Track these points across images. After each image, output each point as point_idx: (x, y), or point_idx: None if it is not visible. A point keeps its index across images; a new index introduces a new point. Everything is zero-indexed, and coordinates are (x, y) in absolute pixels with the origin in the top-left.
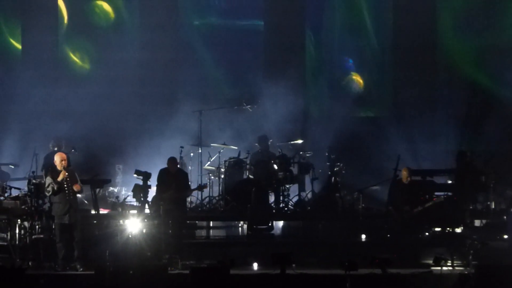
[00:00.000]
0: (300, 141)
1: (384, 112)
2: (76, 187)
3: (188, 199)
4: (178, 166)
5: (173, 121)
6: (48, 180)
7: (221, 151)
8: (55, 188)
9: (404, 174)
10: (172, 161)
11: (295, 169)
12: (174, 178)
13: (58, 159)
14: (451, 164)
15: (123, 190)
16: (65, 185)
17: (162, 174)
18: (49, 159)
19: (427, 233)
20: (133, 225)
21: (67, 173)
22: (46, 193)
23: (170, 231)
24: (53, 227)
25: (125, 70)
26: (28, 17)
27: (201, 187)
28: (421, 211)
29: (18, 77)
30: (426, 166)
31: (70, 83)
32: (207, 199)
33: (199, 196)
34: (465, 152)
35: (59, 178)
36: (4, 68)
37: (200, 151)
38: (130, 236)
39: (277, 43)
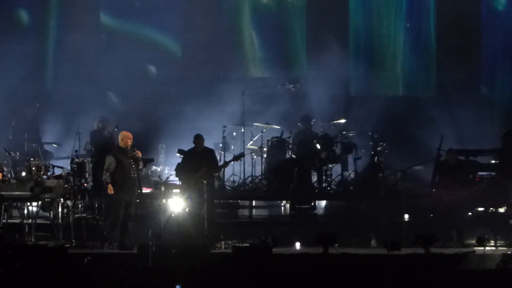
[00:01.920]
0: (343, 121)
1: (427, 93)
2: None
3: (231, 178)
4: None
5: (215, 101)
6: (110, 158)
7: (264, 130)
8: (113, 168)
9: (450, 155)
10: (199, 138)
11: (338, 149)
12: (202, 157)
13: (127, 138)
14: (493, 145)
15: (166, 169)
16: (132, 164)
17: (191, 154)
18: (95, 137)
19: (470, 213)
20: (176, 204)
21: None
22: (104, 172)
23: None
24: (103, 205)
25: (167, 52)
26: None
27: (237, 157)
28: (472, 193)
29: (61, 57)
30: (469, 146)
31: (113, 64)
32: (249, 179)
33: (242, 175)
34: None
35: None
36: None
37: (242, 130)
38: (172, 215)
39: (320, 23)
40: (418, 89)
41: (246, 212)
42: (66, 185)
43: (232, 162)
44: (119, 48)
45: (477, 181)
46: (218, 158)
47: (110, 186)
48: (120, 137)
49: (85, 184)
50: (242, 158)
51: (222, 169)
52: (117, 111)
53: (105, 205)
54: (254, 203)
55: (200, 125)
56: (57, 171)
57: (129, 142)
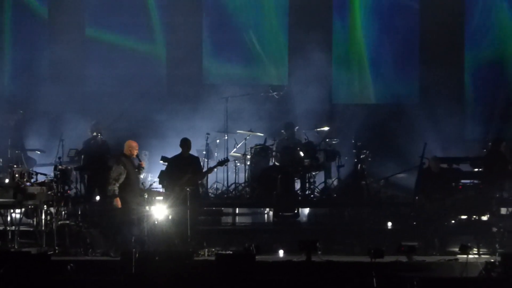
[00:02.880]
0: (326, 128)
1: (411, 100)
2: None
3: (214, 185)
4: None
5: (199, 108)
6: (120, 168)
7: (247, 138)
8: (123, 178)
9: (433, 163)
10: (186, 143)
11: (321, 156)
12: (187, 163)
13: (133, 147)
14: (476, 153)
15: (149, 177)
16: (137, 174)
17: (176, 160)
18: (89, 145)
19: (453, 221)
20: (159, 211)
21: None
22: (112, 182)
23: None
24: (91, 212)
25: (150, 58)
26: None
27: (222, 163)
28: (455, 201)
29: (45, 60)
30: (453, 154)
31: (97, 66)
32: (233, 186)
33: (226, 183)
34: (501, 139)
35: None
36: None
37: (226, 138)
38: (156, 222)
39: (303, 27)
40: (402, 97)
41: (229, 219)
42: (49, 192)
43: (216, 168)
44: (102, 54)
45: (459, 189)
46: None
47: (118, 199)
48: (125, 146)
49: (69, 191)
50: (226, 164)
51: (206, 175)
52: (99, 118)
53: (101, 212)
54: (237, 210)
55: (184, 132)
56: (41, 178)
57: (135, 152)
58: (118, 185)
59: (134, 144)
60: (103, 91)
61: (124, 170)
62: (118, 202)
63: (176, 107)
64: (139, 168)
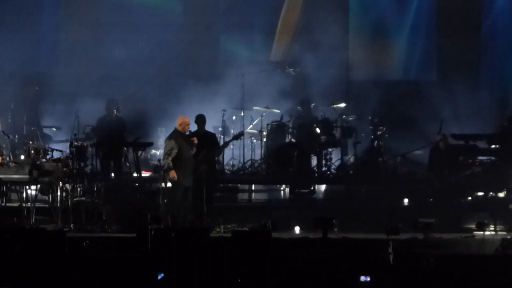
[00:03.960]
0: (343, 105)
1: (428, 76)
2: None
3: (230, 162)
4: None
5: (215, 85)
6: (172, 143)
7: (264, 114)
8: (175, 153)
9: (441, 140)
10: (201, 119)
11: (337, 133)
12: (203, 140)
13: (185, 123)
14: (494, 129)
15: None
16: (190, 149)
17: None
18: (105, 122)
19: (469, 198)
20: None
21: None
22: (165, 156)
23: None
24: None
25: (167, 34)
26: None
27: (237, 136)
28: (462, 178)
29: (61, 39)
30: (470, 130)
31: (113, 46)
32: (249, 163)
33: (242, 159)
34: None
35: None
36: (48, 30)
37: (242, 114)
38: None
39: (319, 4)
40: (419, 73)
41: (245, 196)
42: (65, 169)
43: (231, 142)
44: (118, 30)
45: (465, 165)
46: None
47: (173, 171)
48: (178, 122)
49: (84, 168)
50: (242, 138)
51: (222, 151)
52: (116, 94)
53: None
54: (253, 187)
55: (200, 109)
56: (56, 155)
57: (187, 128)
58: (170, 158)
59: (186, 120)
60: (120, 72)
61: (176, 145)
62: (173, 174)
63: (192, 84)
64: (192, 144)
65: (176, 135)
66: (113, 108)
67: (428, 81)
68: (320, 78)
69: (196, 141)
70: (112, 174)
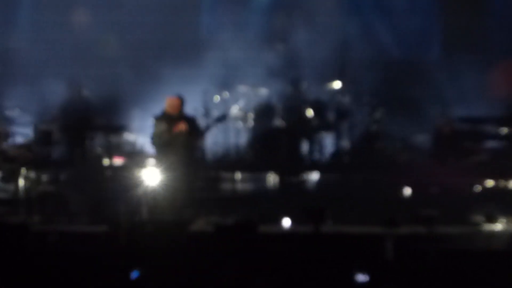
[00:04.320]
0: (337, 84)
1: (432, 54)
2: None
3: (212, 148)
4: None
5: (196, 63)
6: (161, 126)
7: (249, 94)
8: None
9: (444, 123)
10: (173, 101)
11: (331, 116)
12: (168, 120)
13: (176, 104)
14: (503, 111)
15: (141, 137)
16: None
17: (163, 119)
18: (71, 103)
19: (478, 187)
20: (151, 177)
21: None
22: (154, 142)
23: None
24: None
25: (142, 16)
26: None
27: (220, 119)
28: (469, 164)
29: (27, 19)
30: (477, 112)
31: (83, 13)
32: (233, 148)
33: (225, 145)
34: None
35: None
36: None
37: (225, 95)
38: (147, 189)
39: None
40: (421, 50)
41: (228, 185)
42: (29, 155)
43: (214, 125)
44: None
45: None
46: None
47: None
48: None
49: (50, 154)
50: (224, 120)
51: (204, 135)
52: (84, 74)
53: None
54: (238, 175)
55: (178, 88)
56: (19, 139)
57: (177, 110)
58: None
59: (176, 101)
60: (90, 41)
61: (163, 125)
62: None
63: (170, 61)
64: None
65: (162, 118)
66: (77, 88)
67: (431, 59)
68: (313, 54)
69: (183, 127)
70: (81, 161)
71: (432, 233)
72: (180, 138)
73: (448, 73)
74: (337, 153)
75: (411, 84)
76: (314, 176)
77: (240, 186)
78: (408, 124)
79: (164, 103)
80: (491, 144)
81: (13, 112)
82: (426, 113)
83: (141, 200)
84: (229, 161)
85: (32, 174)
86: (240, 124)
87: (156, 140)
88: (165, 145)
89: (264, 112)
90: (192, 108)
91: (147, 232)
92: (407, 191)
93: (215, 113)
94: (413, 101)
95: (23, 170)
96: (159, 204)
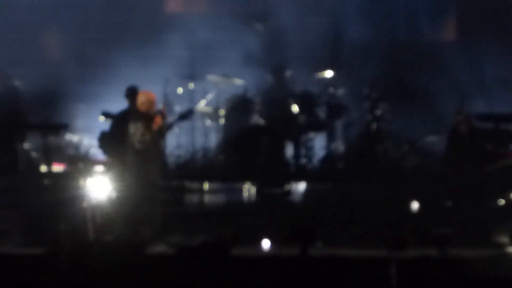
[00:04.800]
0: (329, 73)
1: (446, 36)
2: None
3: (175, 152)
4: None
5: (155, 45)
6: (138, 126)
7: (221, 86)
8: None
9: (463, 121)
10: (135, 92)
11: (322, 112)
12: (139, 119)
13: (153, 99)
14: None
15: (86, 139)
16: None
17: (124, 116)
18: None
19: (501, 201)
20: (99, 187)
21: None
22: (137, 145)
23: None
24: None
25: None
26: None
27: (184, 115)
28: (492, 171)
29: None
30: (500, 109)
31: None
32: (200, 153)
33: (191, 148)
34: None
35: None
36: None
37: (192, 86)
38: (95, 202)
39: None
40: (433, 32)
41: (195, 198)
42: None
43: (177, 123)
44: None
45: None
46: None
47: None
48: (139, 99)
49: None
50: (190, 117)
51: (165, 136)
52: (18, 60)
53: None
54: (206, 185)
55: (133, 79)
56: None
57: (151, 107)
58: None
59: (151, 96)
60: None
61: (141, 126)
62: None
63: (122, 44)
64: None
65: (134, 117)
66: (6, 77)
67: (445, 43)
68: (300, 37)
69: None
70: (11, 168)
71: (446, 257)
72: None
73: (466, 61)
74: (330, 158)
75: (421, 74)
76: (300, 186)
77: (209, 199)
78: (416, 122)
79: (126, 98)
80: None
81: None
82: (439, 109)
83: (87, 216)
84: (195, 168)
85: None
86: (209, 122)
87: (115, 145)
88: (138, 151)
89: (239, 107)
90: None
91: (94, 255)
92: (415, 204)
93: (178, 108)
94: (423, 94)
95: None
96: (110, 221)
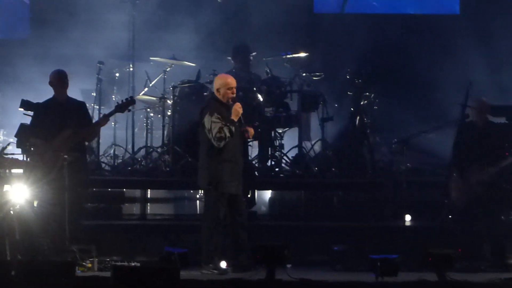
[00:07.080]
0: (303, 55)
1: (446, 9)
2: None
3: (111, 151)
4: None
5: (84, 20)
6: (217, 120)
7: (168, 70)
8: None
9: (478, 112)
10: (60, 78)
11: (294, 102)
12: (65, 112)
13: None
14: None
15: (1, 135)
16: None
17: (48, 106)
18: None
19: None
20: (18, 194)
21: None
22: (217, 142)
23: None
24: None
25: None
26: None
27: (123, 106)
28: (496, 174)
29: None
30: None
31: None
32: (142, 152)
33: (130, 146)
34: None
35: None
36: None
37: (131, 69)
38: (12, 212)
39: None
40: (432, 5)
41: (136, 208)
42: None
43: (113, 115)
44: None
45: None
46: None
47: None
48: (217, 84)
49: None
50: (130, 109)
51: (98, 130)
52: None
53: None
54: (149, 193)
55: (58, 62)
56: None
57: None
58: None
59: (230, 80)
60: None
61: (219, 120)
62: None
63: (44, 18)
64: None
65: (215, 110)
66: None
67: (447, 17)
68: (267, 10)
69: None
70: None
71: (446, 282)
72: (62, 133)
73: (475, 41)
74: (303, 159)
75: (420, 55)
76: (266, 194)
77: (152, 209)
78: (411, 115)
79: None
80: None
81: None
82: (440, 97)
83: (2, 231)
84: (136, 170)
85: None
86: (152, 113)
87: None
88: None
89: (190, 96)
90: (79, 90)
91: (12, 277)
92: (408, 218)
93: (115, 97)
94: (423, 80)
95: None
96: (30, 236)
